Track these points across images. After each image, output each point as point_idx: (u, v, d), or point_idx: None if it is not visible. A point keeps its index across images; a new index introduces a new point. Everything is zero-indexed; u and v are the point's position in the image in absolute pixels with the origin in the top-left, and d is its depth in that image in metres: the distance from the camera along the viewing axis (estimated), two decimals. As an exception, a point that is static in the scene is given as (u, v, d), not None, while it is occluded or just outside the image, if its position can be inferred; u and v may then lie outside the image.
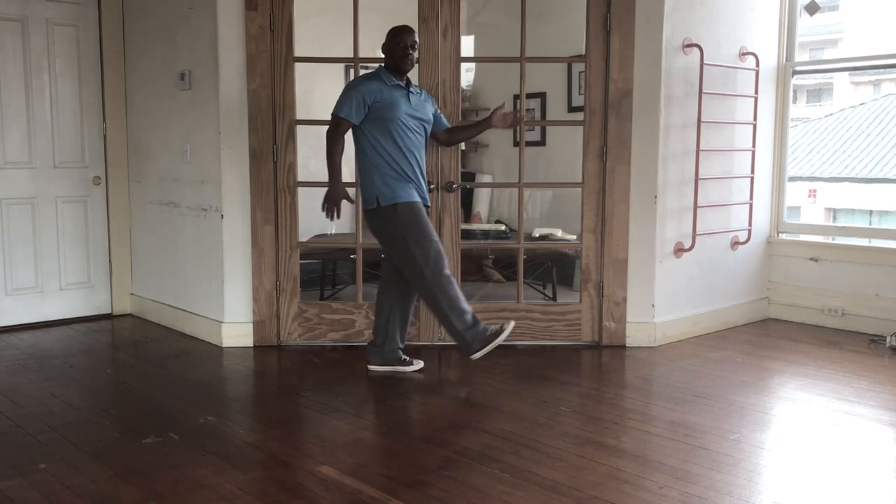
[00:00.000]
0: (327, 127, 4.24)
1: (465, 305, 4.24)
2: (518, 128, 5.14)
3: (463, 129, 4.72)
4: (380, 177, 4.19)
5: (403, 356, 4.45)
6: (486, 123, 4.58)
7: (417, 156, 4.28)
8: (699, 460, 3.19)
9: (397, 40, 4.22)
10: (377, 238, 4.36)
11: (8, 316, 5.50)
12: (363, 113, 4.18)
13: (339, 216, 4.25)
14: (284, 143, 4.82)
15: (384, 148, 4.19)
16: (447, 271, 4.22)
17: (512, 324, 4.31)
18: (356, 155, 4.33)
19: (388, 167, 4.18)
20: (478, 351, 4.23)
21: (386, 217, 4.20)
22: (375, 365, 4.43)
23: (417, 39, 4.32)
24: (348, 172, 6.49)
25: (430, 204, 4.43)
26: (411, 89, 4.30)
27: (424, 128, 4.34)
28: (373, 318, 4.90)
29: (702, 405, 3.88)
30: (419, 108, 4.29)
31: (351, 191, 4.53)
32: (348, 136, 4.26)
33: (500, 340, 4.23)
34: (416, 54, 4.29)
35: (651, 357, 4.74)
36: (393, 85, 4.22)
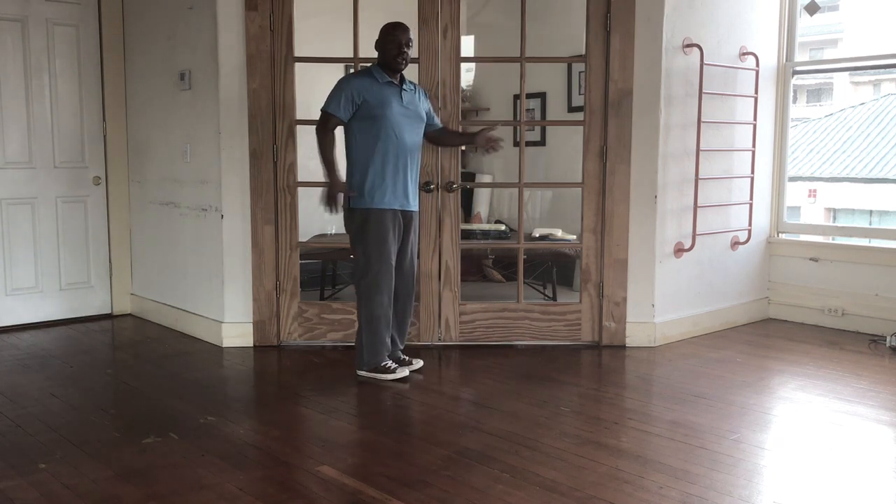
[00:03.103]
0: (318, 126, 4.22)
1: (384, 329, 4.24)
2: (518, 128, 5.14)
3: (451, 134, 4.70)
4: (360, 177, 4.17)
5: (403, 356, 4.45)
6: (470, 138, 4.60)
7: (407, 156, 4.24)
8: (699, 460, 3.19)
9: (390, 38, 4.18)
10: (347, 233, 4.36)
11: (8, 316, 5.50)
12: (351, 110, 4.15)
13: (338, 210, 4.22)
14: (284, 143, 4.82)
15: (370, 147, 4.16)
16: (384, 291, 4.20)
17: (406, 372, 4.31)
18: (345, 151, 4.31)
19: (372, 167, 4.16)
20: (364, 371, 4.29)
21: (353, 218, 4.22)
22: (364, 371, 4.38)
23: (413, 37, 4.28)
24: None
25: (414, 209, 4.33)
26: (404, 86, 4.25)
27: (417, 126, 4.30)
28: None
29: (702, 405, 3.88)
30: (411, 106, 4.26)
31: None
32: (339, 133, 4.25)
33: (383, 379, 4.25)
34: (410, 53, 4.24)
35: (651, 357, 4.74)
36: (385, 82, 4.19)
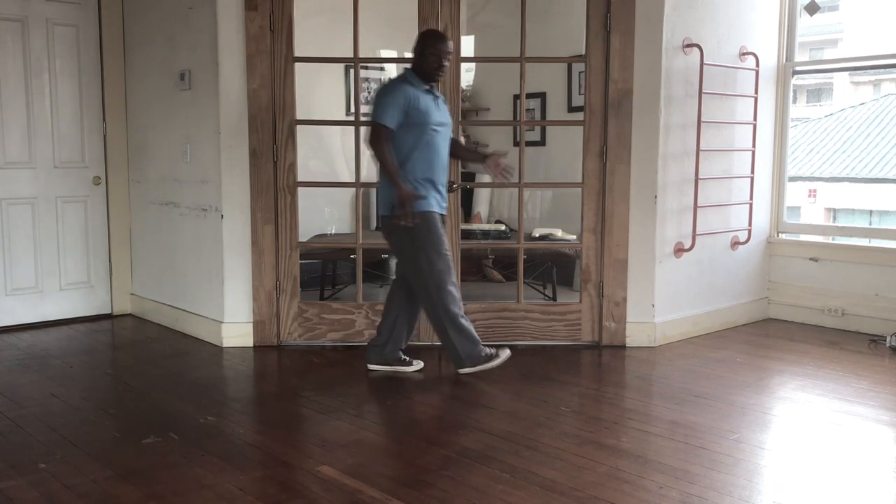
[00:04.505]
0: (368, 136, 4.11)
1: (466, 322, 4.28)
2: (518, 128, 5.14)
3: (462, 148, 4.72)
4: (409, 182, 4.13)
5: (403, 356, 4.45)
6: (481, 159, 4.49)
7: (443, 162, 4.26)
8: (699, 460, 3.19)
9: (432, 49, 4.14)
10: (388, 243, 4.35)
11: (8, 316, 5.50)
12: (400, 120, 4.10)
13: (416, 220, 4.08)
14: (284, 143, 4.82)
15: (412, 154, 4.13)
16: (451, 287, 4.22)
17: (507, 353, 4.37)
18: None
19: (412, 174, 4.14)
20: (468, 368, 4.31)
21: (403, 227, 4.16)
22: (375, 364, 4.43)
23: (451, 48, 4.25)
24: (330, 172, 6.53)
25: (446, 213, 4.40)
26: (437, 94, 4.26)
27: (448, 134, 4.31)
28: (373, 317, 4.91)
29: (702, 405, 3.88)
30: (444, 114, 4.27)
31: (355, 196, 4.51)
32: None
33: (490, 366, 4.31)
34: (448, 65, 4.23)
35: (651, 357, 4.74)
36: (423, 90, 4.18)
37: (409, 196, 4.05)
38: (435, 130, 4.17)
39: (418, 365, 4.45)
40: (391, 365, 4.42)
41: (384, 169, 4.12)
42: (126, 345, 5.27)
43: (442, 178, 4.25)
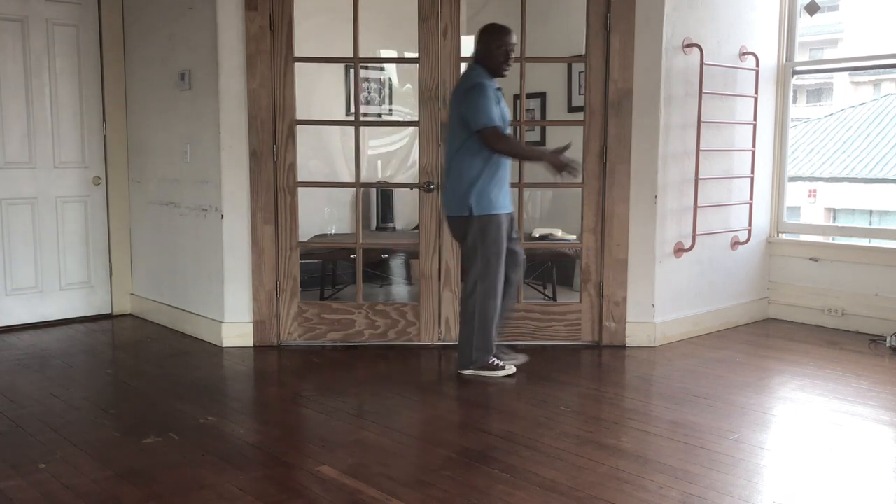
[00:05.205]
0: (493, 144, 4.07)
1: (494, 333, 4.28)
2: (518, 128, 5.14)
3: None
4: (480, 184, 4.13)
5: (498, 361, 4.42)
6: (538, 156, 4.37)
7: (510, 160, 4.27)
8: (699, 460, 3.19)
9: (498, 43, 4.12)
10: (456, 240, 4.35)
11: (8, 316, 5.50)
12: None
13: (577, 168, 4.17)
14: (284, 143, 4.82)
15: (489, 153, 4.11)
16: (498, 294, 4.23)
17: (513, 370, 4.35)
18: (451, 156, 4.21)
19: (490, 173, 4.13)
20: (471, 371, 4.30)
21: (473, 225, 4.16)
22: (467, 370, 4.36)
23: (515, 40, 4.23)
24: (330, 172, 6.52)
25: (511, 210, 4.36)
26: (500, 90, 4.25)
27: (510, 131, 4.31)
28: (373, 317, 4.92)
29: (702, 405, 3.88)
30: (507, 111, 4.25)
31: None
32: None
33: (491, 376, 4.29)
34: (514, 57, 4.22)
35: (651, 357, 4.74)
36: (495, 87, 4.18)
37: (558, 161, 4.10)
38: (504, 127, 4.16)
39: (522, 358, 4.44)
40: (487, 370, 4.36)
41: (524, 156, 4.23)
42: (126, 345, 5.27)
43: (508, 173, 4.26)
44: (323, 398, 3.99)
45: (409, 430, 3.64)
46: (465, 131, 4.13)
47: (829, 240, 5.86)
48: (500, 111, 4.15)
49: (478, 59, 4.19)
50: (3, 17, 5.34)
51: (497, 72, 4.18)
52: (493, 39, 4.14)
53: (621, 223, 4.84)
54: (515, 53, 4.24)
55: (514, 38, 4.21)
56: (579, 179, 4.27)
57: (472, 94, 4.10)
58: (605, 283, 4.91)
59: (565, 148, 4.17)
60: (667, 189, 4.91)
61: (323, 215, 6.52)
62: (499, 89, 4.23)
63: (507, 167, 4.26)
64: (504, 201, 4.23)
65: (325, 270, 5.94)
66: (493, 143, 4.07)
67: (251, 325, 4.95)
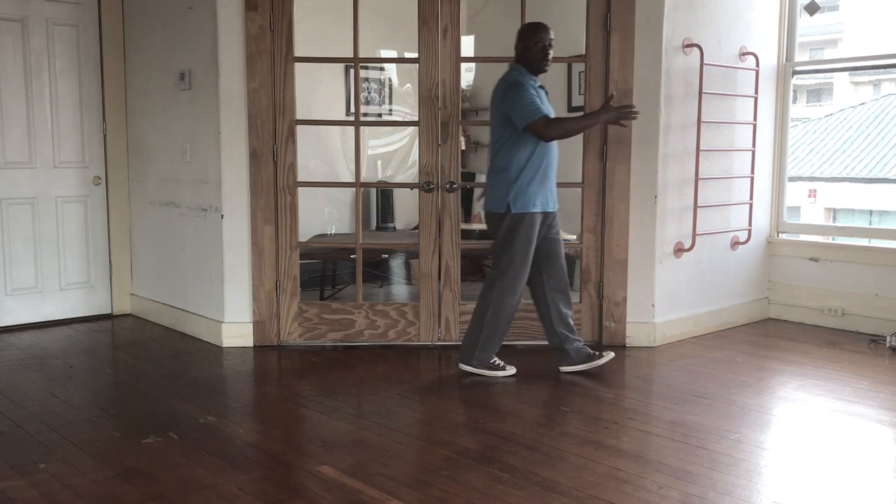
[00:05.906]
0: (544, 134, 4.07)
1: (503, 332, 4.28)
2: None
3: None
4: (520, 181, 4.13)
5: (590, 350, 4.41)
6: (595, 118, 4.31)
7: (555, 157, 4.25)
8: (699, 460, 3.19)
9: (536, 40, 4.12)
10: (492, 236, 4.34)
11: (8, 316, 5.50)
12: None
13: (634, 109, 4.23)
14: (284, 143, 4.82)
15: (528, 150, 4.11)
16: (517, 295, 4.23)
17: (514, 369, 4.34)
18: (496, 152, 4.20)
19: (529, 170, 4.13)
20: (470, 366, 4.30)
21: (507, 222, 4.16)
22: (567, 367, 4.37)
23: (553, 36, 4.20)
24: (330, 172, 6.52)
25: (556, 209, 4.33)
26: (543, 87, 4.24)
27: None
28: (373, 317, 4.92)
29: (702, 405, 3.88)
30: (551, 108, 4.23)
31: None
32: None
33: (490, 375, 4.29)
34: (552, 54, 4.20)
35: (651, 357, 4.74)
36: (538, 86, 4.17)
37: (614, 116, 4.18)
38: None
39: (609, 356, 4.40)
40: (584, 362, 4.35)
41: (580, 129, 4.24)
42: (126, 345, 5.27)
43: (554, 172, 4.25)
44: (323, 398, 3.99)
45: (408, 430, 3.63)
46: (506, 130, 4.13)
47: (828, 240, 5.86)
48: (551, 111, 4.16)
49: (518, 58, 4.20)
50: (3, 17, 5.34)
51: (537, 69, 4.17)
52: (530, 36, 4.14)
53: (621, 223, 4.84)
54: (554, 50, 4.20)
55: (552, 34, 4.18)
56: (637, 118, 4.29)
57: (511, 92, 4.10)
58: (605, 283, 4.91)
59: (609, 99, 4.25)
60: (667, 189, 4.91)
61: (323, 215, 6.52)
62: (541, 87, 4.22)
63: (554, 162, 4.23)
64: (544, 199, 4.21)
65: (325, 270, 5.95)
66: (546, 132, 4.06)
67: (251, 325, 4.95)
